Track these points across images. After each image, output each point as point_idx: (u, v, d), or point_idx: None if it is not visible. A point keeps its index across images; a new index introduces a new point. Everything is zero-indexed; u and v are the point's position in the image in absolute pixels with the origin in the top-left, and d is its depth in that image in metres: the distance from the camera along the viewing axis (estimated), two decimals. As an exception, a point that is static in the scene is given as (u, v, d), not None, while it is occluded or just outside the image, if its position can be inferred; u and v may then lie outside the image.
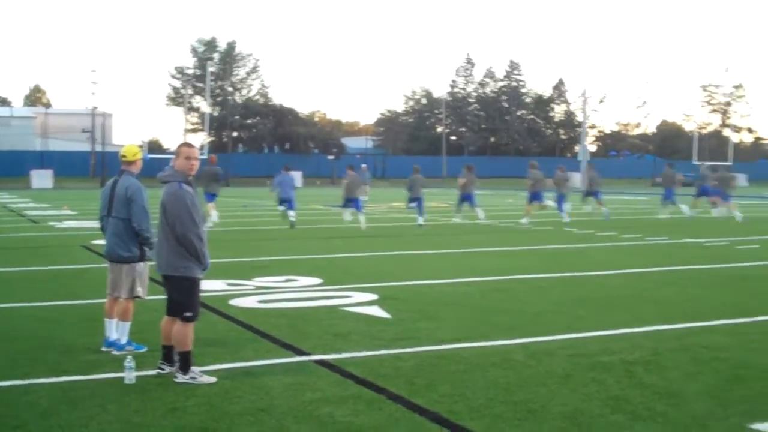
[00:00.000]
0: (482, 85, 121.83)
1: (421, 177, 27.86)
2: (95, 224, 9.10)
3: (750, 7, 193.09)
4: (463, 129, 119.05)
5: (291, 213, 25.84)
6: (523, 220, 27.55)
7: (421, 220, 26.56)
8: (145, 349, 8.19)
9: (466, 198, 28.81)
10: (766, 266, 15.65)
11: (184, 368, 7.08)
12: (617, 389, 6.82)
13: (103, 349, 8.30)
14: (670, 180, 31.49)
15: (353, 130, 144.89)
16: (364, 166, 49.37)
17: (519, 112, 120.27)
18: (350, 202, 26.63)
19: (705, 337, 8.94)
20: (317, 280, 13.30)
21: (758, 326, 9.61)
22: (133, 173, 8.39)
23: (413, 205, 27.61)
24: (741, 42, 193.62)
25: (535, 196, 28.97)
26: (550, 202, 29.66)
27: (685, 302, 11.35)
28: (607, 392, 6.73)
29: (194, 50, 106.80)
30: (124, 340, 8.29)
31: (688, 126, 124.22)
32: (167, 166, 7.46)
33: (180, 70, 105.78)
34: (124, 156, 8.43)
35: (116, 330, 8.34)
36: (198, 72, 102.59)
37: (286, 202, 26.29)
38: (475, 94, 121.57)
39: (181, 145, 7.49)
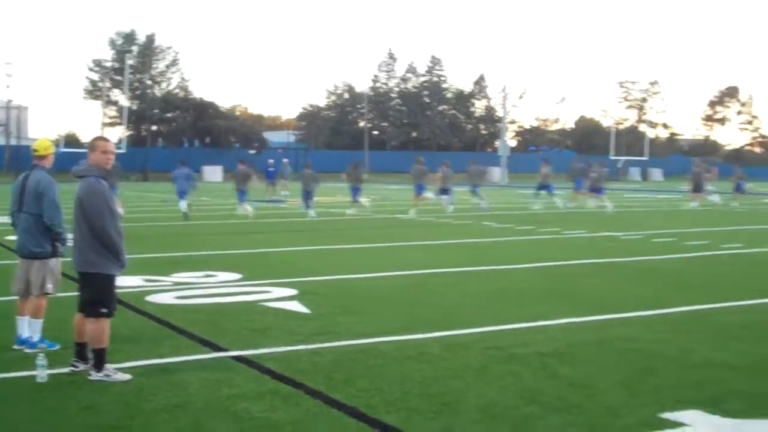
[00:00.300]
0: (404, 80, 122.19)
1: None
2: (7, 219, 8.87)
3: (665, 4, 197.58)
4: (386, 124, 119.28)
5: (182, 204, 27.31)
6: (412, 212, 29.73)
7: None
8: (58, 347, 8.03)
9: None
10: (679, 259, 16.04)
11: (99, 366, 6.96)
12: (532, 381, 6.92)
13: (15, 347, 8.11)
14: (579, 172, 33.00)
15: (275, 125, 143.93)
16: (285, 160, 49.19)
17: (440, 107, 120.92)
18: (241, 194, 28.51)
19: (619, 329, 9.13)
20: (237, 276, 13.21)
21: (670, 318, 9.85)
22: (45, 167, 8.21)
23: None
24: (656, 39, 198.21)
25: (420, 188, 31.49)
26: (430, 195, 32.31)
27: (600, 295, 11.57)
28: (522, 384, 6.83)
29: (112, 42, 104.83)
30: (36, 338, 8.11)
31: (606, 122, 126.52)
32: (82, 160, 7.31)
33: (98, 63, 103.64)
34: (35, 150, 8.25)
35: (28, 327, 8.16)
36: (116, 65, 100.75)
37: (182, 194, 27.79)
38: (397, 89, 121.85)
39: (96, 139, 7.35)
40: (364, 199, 31.71)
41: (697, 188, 35.68)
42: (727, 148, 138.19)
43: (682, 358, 7.77)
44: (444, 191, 32.07)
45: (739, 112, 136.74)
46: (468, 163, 34.71)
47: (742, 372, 7.25)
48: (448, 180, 32.17)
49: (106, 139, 7.44)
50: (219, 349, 8.10)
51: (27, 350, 7.96)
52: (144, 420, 5.87)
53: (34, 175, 8.12)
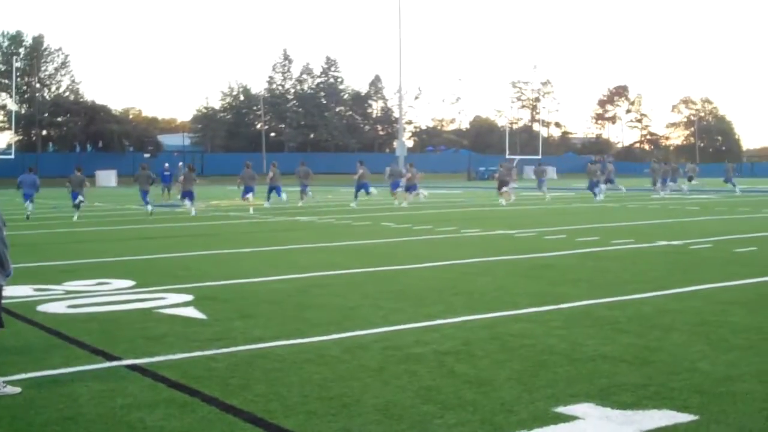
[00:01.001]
0: (300, 81, 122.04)
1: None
2: None
3: (556, 5, 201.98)
4: (283, 125, 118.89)
5: (28, 206, 30.94)
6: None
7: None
8: (-58, 361, 7.77)
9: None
10: (570, 255, 16.40)
11: (-15, 379, 6.75)
12: (429, 380, 6.99)
13: None
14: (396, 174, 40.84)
15: (170, 127, 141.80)
16: (180, 164, 48.67)
17: (337, 109, 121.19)
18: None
19: (513, 325, 9.29)
20: (130, 282, 12.96)
21: (562, 313, 10.06)
22: None
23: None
24: (548, 40, 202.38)
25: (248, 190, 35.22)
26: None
27: (496, 292, 11.75)
28: (419, 383, 6.88)
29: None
30: None
31: (501, 121, 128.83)
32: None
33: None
34: None
35: None
36: (2, 67, 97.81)
37: (27, 197, 31.22)
38: (293, 90, 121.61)
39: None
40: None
41: (501, 185, 41.49)
42: (618, 145, 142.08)
43: (573, 352, 7.95)
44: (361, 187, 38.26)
45: (629, 111, 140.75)
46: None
47: (631, 364, 7.46)
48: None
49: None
50: (113, 358, 7.94)
51: None
52: (33, 434, 5.71)
53: None
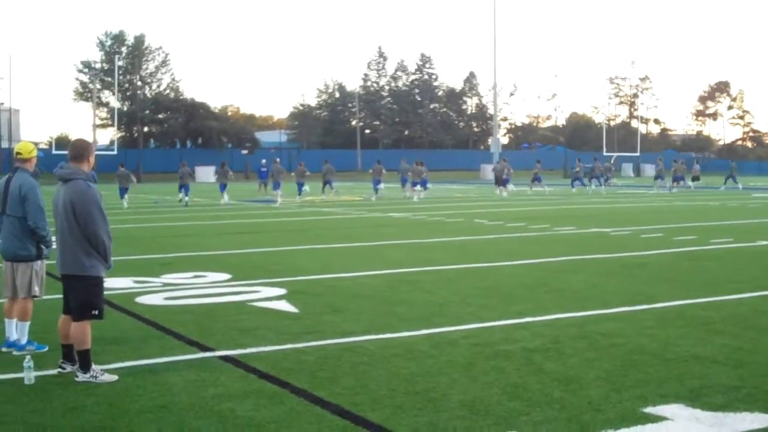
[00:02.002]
0: (395, 78, 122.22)
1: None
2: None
3: (655, 0, 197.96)
4: (377, 122, 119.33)
5: (124, 203, 34.16)
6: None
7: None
8: (46, 349, 8.08)
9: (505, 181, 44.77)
10: (665, 254, 16.10)
11: (84, 367, 6.99)
12: (516, 377, 6.97)
13: (3, 349, 8.15)
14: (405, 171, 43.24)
15: (267, 124, 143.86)
16: (277, 160, 49.37)
17: (432, 105, 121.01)
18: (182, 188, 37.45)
19: (603, 324, 9.18)
20: (226, 276, 13.24)
21: (654, 312, 9.90)
22: (28, 170, 8.27)
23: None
24: (646, 35, 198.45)
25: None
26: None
27: (587, 290, 11.62)
28: (507, 380, 6.87)
29: (101, 44, 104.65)
30: (24, 340, 8.15)
31: (597, 118, 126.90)
32: (62, 162, 7.33)
33: (86, 65, 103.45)
34: (19, 153, 8.31)
35: (16, 330, 8.20)
36: (106, 66, 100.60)
37: (123, 192, 35.64)
38: (387, 87, 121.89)
39: (78, 141, 7.38)
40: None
41: (498, 182, 45.83)
42: (719, 143, 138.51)
43: (664, 352, 7.82)
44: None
45: (730, 107, 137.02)
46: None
47: (724, 366, 7.30)
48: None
49: (88, 142, 7.48)
50: (206, 349, 8.13)
51: (15, 353, 7.99)
52: (128, 420, 5.90)
53: (17, 177, 8.17)
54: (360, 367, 7.32)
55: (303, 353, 7.90)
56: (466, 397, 6.37)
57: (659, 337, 8.49)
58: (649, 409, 6.03)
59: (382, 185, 43.02)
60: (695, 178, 57.19)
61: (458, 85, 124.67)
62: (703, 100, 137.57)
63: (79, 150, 7.32)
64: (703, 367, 7.25)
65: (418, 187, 41.52)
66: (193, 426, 5.78)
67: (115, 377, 7.00)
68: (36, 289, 8.19)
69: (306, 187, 41.71)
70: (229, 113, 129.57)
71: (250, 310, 10.25)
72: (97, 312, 7.18)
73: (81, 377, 6.97)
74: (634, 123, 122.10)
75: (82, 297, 7.16)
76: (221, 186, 39.96)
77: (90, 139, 7.23)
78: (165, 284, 12.45)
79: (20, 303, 8.16)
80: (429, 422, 5.81)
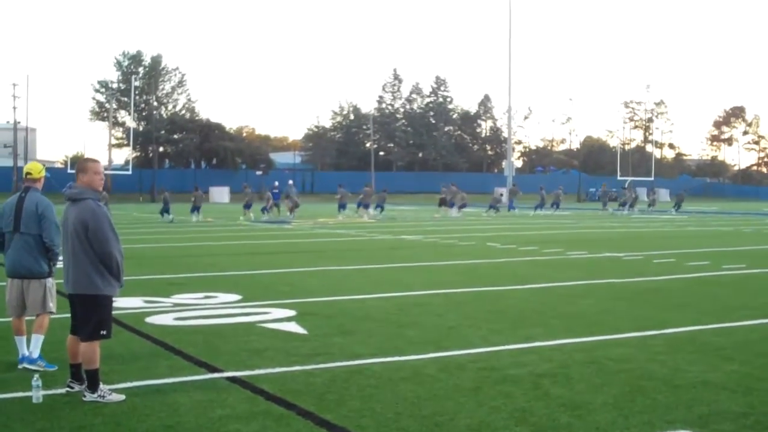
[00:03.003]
0: (409, 101, 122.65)
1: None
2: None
3: (670, 25, 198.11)
4: (391, 145, 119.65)
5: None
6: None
7: None
8: (55, 368, 8.10)
9: (451, 204, 47.46)
10: (678, 279, 16.05)
11: (93, 386, 7.01)
12: (524, 401, 6.96)
13: (20, 367, 8.18)
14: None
15: (281, 146, 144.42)
16: (290, 182, 49.66)
17: (446, 128, 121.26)
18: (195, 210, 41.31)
19: (612, 349, 9.15)
20: (236, 297, 13.26)
21: (664, 338, 9.86)
22: (38, 190, 8.36)
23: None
24: (661, 59, 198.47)
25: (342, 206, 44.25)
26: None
27: (597, 315, 11.59)
28: (514, 404, 6.86)
29: (118, 64, 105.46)
30: (36, 354, 8.19)
31: (612, 142, 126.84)
32: (71, 182, 7.37)
33: (103, 84, 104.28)
34: (29, 173, 8.40)
35: (29, 343, 8.25)
36: (122, 86, 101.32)
37: None
38: (402, 109, 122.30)
39: (87, 161, 7.41)
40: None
41: (443, 203, 49.82)
42: (734, 168, 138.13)
43: (674, 378, 7.79)
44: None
45: (745, 132, 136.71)
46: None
47: (734, 392, 7.26)
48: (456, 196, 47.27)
49: (96, 161, 7.51)
50: (214, 369, 8.14)
51: (26, 365, 8.06)
52: (135, 440, 5.92)
53: (31, 196, 8.24)
54: (367, 390, 7.32)
55: (311, 375, 7.90)
56: (472, 422, 6.36)
57: (669, 363, 8.45)
58: (657, 436, 6.01)
59: (371, 208, 46.25)
60: (651, 203, 61.58)
61: (473, 108, 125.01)
62: (718, 125, 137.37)
63: (79, 164, 7.48)
64: (713, 393, 7.21)
65: (377, 210, 45.92)
66: (199, 447, 5.79)
67: (122, 397, 7.01)
68: (50, 305, 8.28)
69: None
70: (244, 134, 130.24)
71: (260, 331, 10.26)
72: (106, 332, 7.19)
73: (89, 397, 6.98)
74: (649, 147, 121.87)
75: (93, 317, 7.15)
76: (246, 205, 44.13)
77: (105, 159, 7.33)
78: (175, 304, 12.47)
79: (37, 319, 8.25)
80: (434, 446, 5.80)
